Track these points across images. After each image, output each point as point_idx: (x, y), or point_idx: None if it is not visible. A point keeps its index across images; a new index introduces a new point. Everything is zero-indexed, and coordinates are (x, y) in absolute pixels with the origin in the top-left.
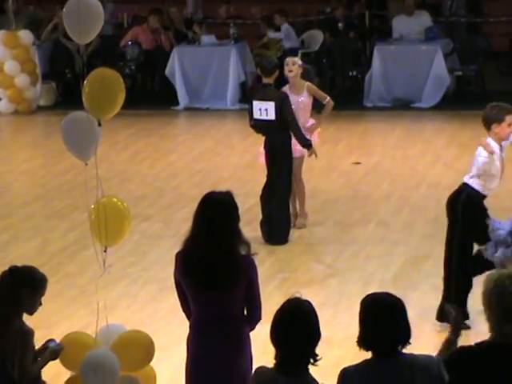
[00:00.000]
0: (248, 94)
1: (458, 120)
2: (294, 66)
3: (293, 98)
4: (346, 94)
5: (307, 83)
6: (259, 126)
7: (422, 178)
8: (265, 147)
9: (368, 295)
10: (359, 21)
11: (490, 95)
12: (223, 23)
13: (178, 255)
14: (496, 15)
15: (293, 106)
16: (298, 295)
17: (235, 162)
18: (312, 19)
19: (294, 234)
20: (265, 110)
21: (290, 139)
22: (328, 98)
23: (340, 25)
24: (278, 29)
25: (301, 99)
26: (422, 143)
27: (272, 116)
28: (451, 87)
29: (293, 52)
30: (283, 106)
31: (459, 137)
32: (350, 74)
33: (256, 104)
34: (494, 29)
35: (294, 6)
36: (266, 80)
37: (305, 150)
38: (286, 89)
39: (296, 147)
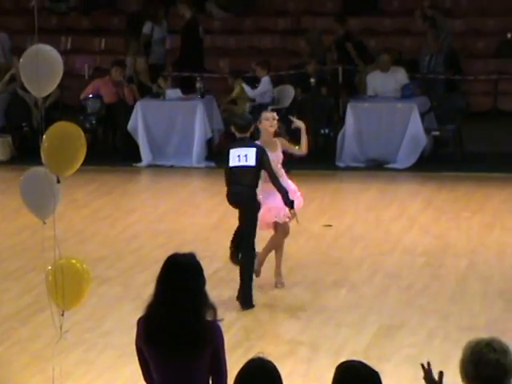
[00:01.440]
0: (225, 148)
1: (435, 182)
2: (274, 121)
3: (269, 155)
4: (317, 153)
5: (278, 138)
6: (235, 172)
7: (397, 242)
8: (229, 197)
9: (343, 363)
10: (332, 77)
11: (468, 157)
12: (189, 77)
13: (139, 321)
14: (474, 73)
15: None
16: (260, 355)
17: (200, 223)
18: (283, 74)
19: (260, 299)
20: (244, 156)
21: (256, 197)
22: (297, 147)
23: (312, 80)
24: (254, 82)
25: (277, 156)
26: (397, 206)
27: (252, 162)
28: (428, 148)
29: (263, 108)
30: (264, 159)
31: (436, 200)
32: (322, 132)
33: (234, 151)
34: (472, 87)
35: (264, 59)
36: (241, 135)
37: (283, 215)
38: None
39: (280, 213)
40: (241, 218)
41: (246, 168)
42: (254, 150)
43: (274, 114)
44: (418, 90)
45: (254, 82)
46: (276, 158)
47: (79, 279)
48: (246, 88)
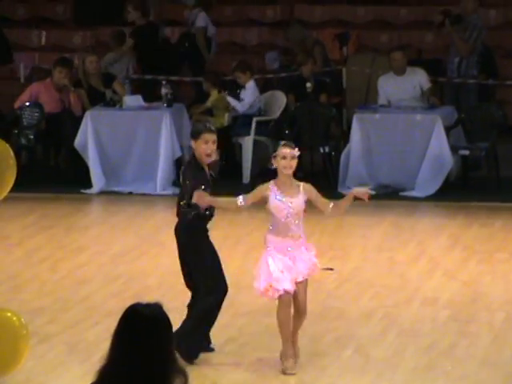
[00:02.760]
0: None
1: (463, 214)
2: (293, 160)
3: (285, 201)
4: (315, 177)
5: (303, 183)
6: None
7: (415, 291)
8: None
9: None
10: (333, 80)
11: (505, 183)
12: (153, 80)
13: None
14: None
15: (281, 213)
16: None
17: (166, 265)
18: (271, 77)
19: (243, 360)
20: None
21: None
22: (331, 204)
23: (308, 85)
24: (234, 90)
25: (295, 204)
26: (416, 245)
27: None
28: (454, 171)
29: (246, 119)
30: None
31: (464, 237)
32: (321, 150)
33: None
34: (511, 95)
35: (248, 58)
36: None
37: (313, 269)
38: (272, 185)
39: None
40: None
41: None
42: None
43: (294, 152)
44: (436, 100)
45: (236, 89)
46: (292, 207)
47: (15, 336)
48: (233, 102)
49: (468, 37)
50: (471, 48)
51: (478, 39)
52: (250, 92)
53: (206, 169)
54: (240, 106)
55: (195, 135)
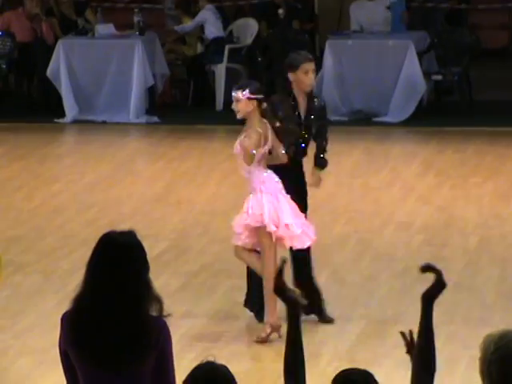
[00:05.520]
0: None
1: (437, 140)
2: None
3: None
4: None
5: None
6: None
7: (389, 216)
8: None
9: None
10: (305, 6)
11: (478, 107)
12: (125, 8)
13: (64, 317)
14: (485, 1)
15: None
16: (211, 359)
17: (140, 194)
18: (243, 4)
19: (219, 288)
20: None
21: None
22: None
23: (280, 11)
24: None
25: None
26: (389, 170)
27: None
28: (427, 96)
29: (218, 43)
30: None
31: (438, 162)
32: None
33: None
34: (483, 19)
35: None
36: None
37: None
38: None
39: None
40: None
41: None
42: None
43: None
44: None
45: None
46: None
47: None
48: (178, 28)
49: None
50: None
51: None
52: (199, 15)
53: (302, 100)
54: (180, 28)
55: (293, 66)
